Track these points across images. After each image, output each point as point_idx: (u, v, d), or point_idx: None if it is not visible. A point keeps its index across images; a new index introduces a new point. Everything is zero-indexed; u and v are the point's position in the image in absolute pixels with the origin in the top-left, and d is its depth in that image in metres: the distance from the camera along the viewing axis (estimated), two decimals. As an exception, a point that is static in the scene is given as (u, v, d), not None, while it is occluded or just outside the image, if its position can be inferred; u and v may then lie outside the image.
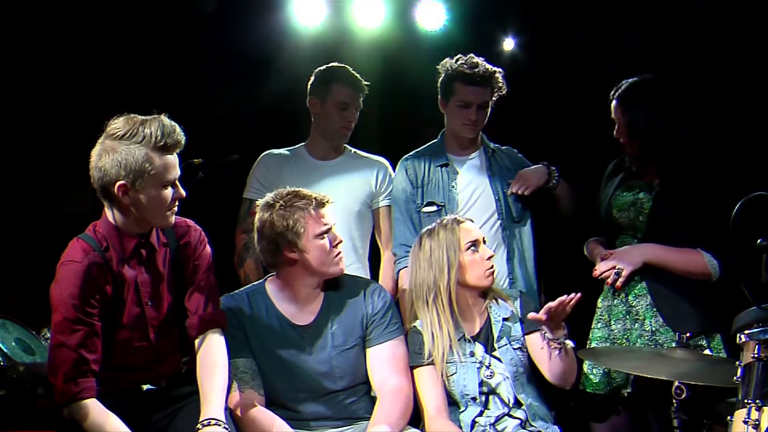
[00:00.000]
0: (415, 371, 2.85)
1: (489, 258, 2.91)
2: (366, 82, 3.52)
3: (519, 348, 2.91)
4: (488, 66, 3.37)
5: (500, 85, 3.39)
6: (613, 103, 3.08)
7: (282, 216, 2.73)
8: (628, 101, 3.04)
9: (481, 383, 2.83)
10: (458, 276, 2.89)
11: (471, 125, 3.39)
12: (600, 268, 3.07)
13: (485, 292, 2.96)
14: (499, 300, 2.98)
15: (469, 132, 3.41)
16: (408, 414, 2.72)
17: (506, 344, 2.89)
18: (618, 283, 3.01)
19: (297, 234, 2.73)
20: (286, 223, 2.73)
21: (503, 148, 3.54)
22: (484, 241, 2.95)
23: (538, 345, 2.90)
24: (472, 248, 2.90)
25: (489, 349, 2.89)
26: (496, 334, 2.91)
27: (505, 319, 2.94)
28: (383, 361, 2.78)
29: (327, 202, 2.80)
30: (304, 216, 2.73)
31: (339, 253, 2.80)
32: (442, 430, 2.73)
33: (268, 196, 2.82)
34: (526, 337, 2.94)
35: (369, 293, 2.86)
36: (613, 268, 3.02)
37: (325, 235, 2.76)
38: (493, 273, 2.91)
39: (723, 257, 2.93)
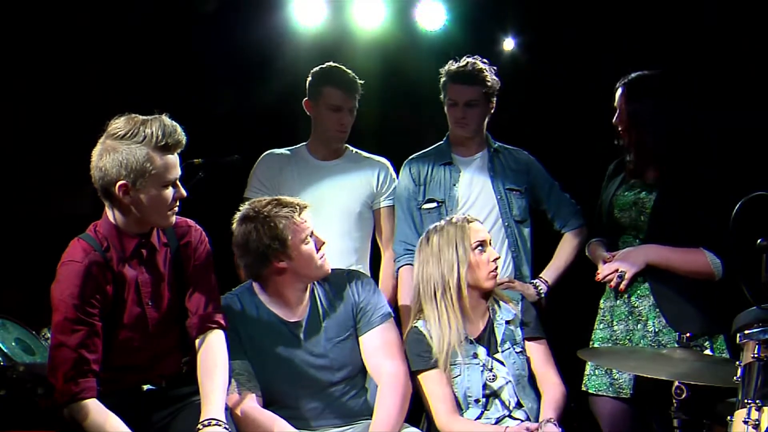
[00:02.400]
0: (420, 377, 2.84)
1: (494, 260, 2.91)
2: (360, 81, 3.50)
3: (521, 351, 2.92)
4: (478, 64, 3.38)
5: (490, 82, 3.38)
6: (619, 90, 3.08)
7: (269, 227, 2.72)
8: (635, 91, 3.04)
9: (484, 386, 2.83)
10: (466, 274, 2.88)
11: (460, 123, 3.39)
12: (603, 271, 3.06)
13: (487, 294, 2.95)
14: (502, 302, 2.97)
15: (460, 130, 3.42)
16: (407, 400, 2.73)
17: (509, 348, 2.89)
18: (621, 286, 3.01)
19: (285, 243, 2.72)
20: (273, 233, 2.71)
21: (511, 148, 3.54)
22: (490, 243, 2.95)
23: (535, 355, 2.92)
24: (480, 248, 2.89)
25: (491, 351, 2.88)
26: (499, 338, 2.90)
27: (507, 322, 2.93)
28: (376, 347, 2.80)
29: (307, 206, 2.79)
30: (289, 224, 2.72)
31: (323, 255, 2.80)
32: (464, 429, 2.75)
33: (246, 209, 2.79)
34: (526, 342, 2.94)
35: (353, 282, 2.88)
36: (616, 271, 3.02)
37: (310, 239, 2.76)
38: (495, 276, 2.91)
39: (726, 256, 2.93)
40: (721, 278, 2.95)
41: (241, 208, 2.82)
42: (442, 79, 3.43)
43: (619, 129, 3.09)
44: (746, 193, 2.29)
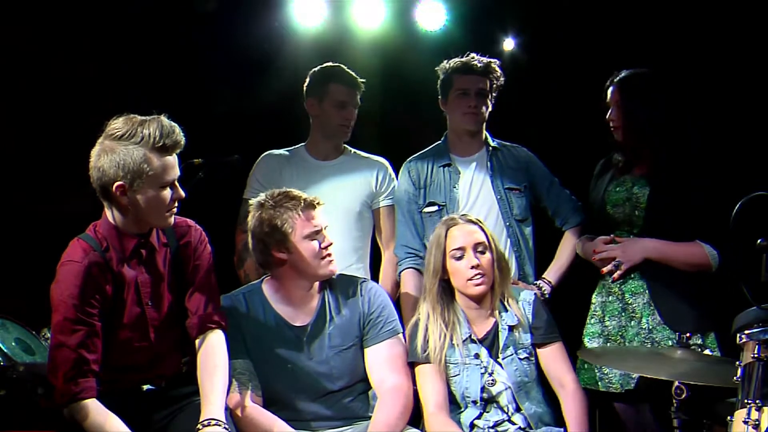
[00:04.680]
0: (416, 368, 2.84)
1: (475, 266, 2.82)
2: (362, 80, 3.52)
3: (526, 357, 2.86)
4: (483, 59, 3.41)
5: (497, 74, 3.41)
6: (611, 88, 3.11)
7: (271, 216, 2.75)
8: (629, 88, 3.07)
9: (483, 388, 2.81)
10: (450, 280, 2.88)
11: (472, 113, 3.39)
12: (600, 250, 3.05)
13: (481, 298, 2.88)
14: (509, 305, 2.90)
15: (471, 121, 3.41)
16: (408, 413, 2.72)
17: (512, 354, 2.85)
18: (615, 275, 3.02)
19: (285, 234, 2.73)
20: (274, 222, 2.74)
21: (509, 145, 3.54)
22: (478, 247, 2.85)
23: (548, 360, 2.87)
24: (458, 255, 2.85)
25: (493, 354, 2.85)
26: (501, 343, 2.86)
27: (511, 327, 2.87)
28: (381, 361, 2.79)
29: (317, 203, 2.79)
30: (293, 216, 2.74)
31: (328, 255, 2.78)
32: (441, 429, 2.72)
33: (261, 196, 2.83)
34: (537, 349, 2.89)
35: (365, 292, 2.86)
36: (614, 259, 3.02)
37: (315, 237, 2.75)
38: (480, 282, 2.83)
39: (721, 247, 2.95)
40: (717, 268, 2.97)
41: (252, 206, 2.84)
42: (444, 75, 3.43)
43: (612, 126, 3.11)
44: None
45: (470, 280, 2.83)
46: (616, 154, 3.17)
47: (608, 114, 3.12)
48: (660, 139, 3.03)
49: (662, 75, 3.10)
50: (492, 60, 3.42)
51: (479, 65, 3.38)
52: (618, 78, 3.11)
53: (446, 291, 2.89)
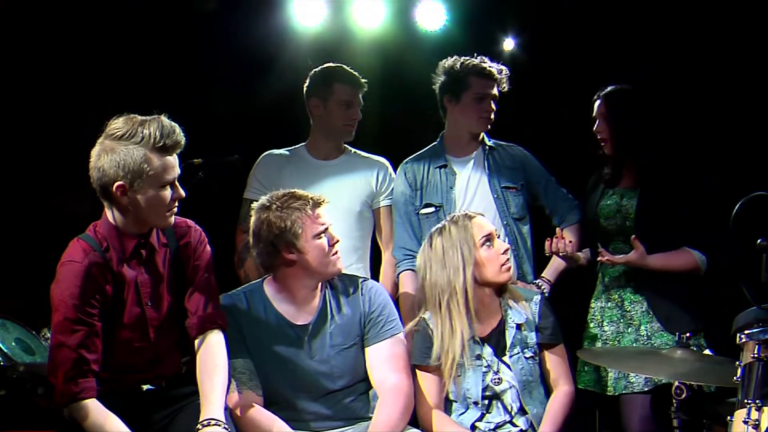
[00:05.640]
0: (418, 371, 2.84)
1: (504, 251, 2.85)
2: (364, 79, 3.52)
3: (532, 356, 2.86)
4: (496, 64, 3.43)
5: (506, 81, 3.43)
6: (598, 101, 3.18)
7: (279, 217, 2.72)
8: (615, 100, 3.14)
9: (486, 388, 2.81)
10: (475, 273, 2.83)
11: (487, 118, 3.40)
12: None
13: (501, 291, 2.89)
14: (514, 303, 2.89)
15: (484, 126, 3.43)
16: (409, 413, 2.72)
17: (519, 353, 2.84)
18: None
19: (295, 235, 2.72)
20: (283, 224, 2.72)
21: (505, 145, 3.54)
22: (498, 235, 2.90)
23: (551, 360, 2.88)
24: (487, 243, 2.83)
25: (498, 353, 2.84)
26: (509, 341, 2.85)
27: (519, 326, 2.86)
28: (382, 360, 2.78)
29: (323, 202, 2.79)
30: (302, 217, 2.72)
31: (336, 252, 2.79)
32: (446, 427, 2.74)
33: (264, 198, 2.81)
34: (540, 349, 2.89)
35: (366, 291, 2.85)
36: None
37: (323, 235, 2.75)
38: (509, 267, 2.85)
39: (708, 251, 3.02)
40: (705, 271, 3.04)
41: (255, 209, 2.83)
42: (458, 76, 3.38)
43: (599, 138, 3.18)
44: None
45: (503, 265, 2.83)
46: (605, 167, 3.23)
47: (595, 126, 3.18)
48: (646, 149, 3.10)
49: (647, 87, 3.16)
50: (503, 67, 3.44)
51: (497, 72, 3.40)
52: (604, 92, 3.18)
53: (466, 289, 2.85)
